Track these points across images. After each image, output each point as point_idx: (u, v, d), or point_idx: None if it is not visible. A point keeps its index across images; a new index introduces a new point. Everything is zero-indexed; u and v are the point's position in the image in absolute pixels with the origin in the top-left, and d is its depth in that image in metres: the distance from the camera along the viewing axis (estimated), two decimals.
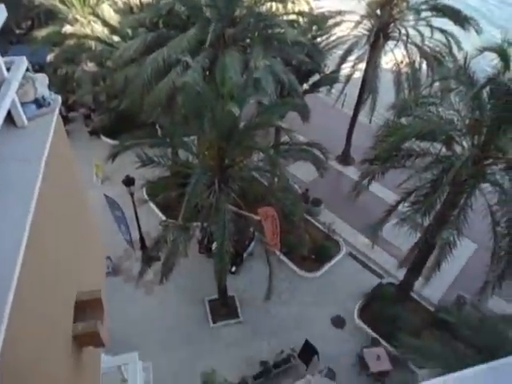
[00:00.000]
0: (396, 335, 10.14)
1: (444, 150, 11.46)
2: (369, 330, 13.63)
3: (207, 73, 12.94)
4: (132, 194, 13.67)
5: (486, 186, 10.85)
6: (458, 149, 11.26)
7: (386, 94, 17.14)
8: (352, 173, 18.25)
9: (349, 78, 17.45)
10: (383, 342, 12.99)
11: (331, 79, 16.40)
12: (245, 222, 12.56)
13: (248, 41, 13.72)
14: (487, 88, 10.19)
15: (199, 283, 14.72)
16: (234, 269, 15.13)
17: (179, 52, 12.02)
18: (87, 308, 2.15)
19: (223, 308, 14.02)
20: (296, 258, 15.47)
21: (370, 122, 20.57)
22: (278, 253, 14.60)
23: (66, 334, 2.09)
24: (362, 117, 20.00)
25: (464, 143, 11.12)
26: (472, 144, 10.91)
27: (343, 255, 16.20)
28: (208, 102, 9.71)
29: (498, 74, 9.69)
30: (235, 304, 14.35)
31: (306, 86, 17.23)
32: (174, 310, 14.12)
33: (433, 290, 14.95)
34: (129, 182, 13.38)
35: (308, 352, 12.48)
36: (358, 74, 18.19)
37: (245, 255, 15.52)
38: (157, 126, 15.03)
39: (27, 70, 3.62)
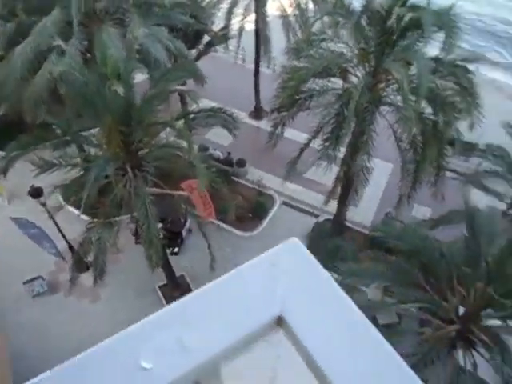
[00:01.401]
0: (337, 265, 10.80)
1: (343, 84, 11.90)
2: None
3: (88, 55, 11.87)
4: (44, 204, 12.60)
5: (384, 108, 11.57)
6: (355, 80, 11.76)
7: (283, 40, 17.16)
8: (267, 125, 18.44)
9: (240, 31, 17.11)
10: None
11: (222, 36, 15.94)
12: (173, 201, 12.29)
13: (124, 12, 12.69)
14: (365, 17, 10.59)
15: (146, 273, 14.34)
16: (176, 249, 14.96)
17: (49, 37, 10.81)
18: None
19: (176, 290, 13.92)
20: (234, 221, 15.60)
21: (274, 71, 20.65)
22: (215, 221, 14.65)
23: None
24: (265, 68, 19.95)
25: (358, 73, 11.62)
26: (365, 72, 11.44)
27: (278, 206, 16.67)
28: (94, 87, 8.96)
29: (371, 1, 10.07)
30: (186, 282, 14.32)
31: (201, 48, 16.67)
32: (125, 306, 13.70)
33: (364, 214, 16.12)
34: (36, 192, 12.26)
35: None
36: (252, 26, 17.93)
37: (184, 233, 15.34)
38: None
39: None
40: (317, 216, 16.07)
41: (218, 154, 17.90)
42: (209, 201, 12.47)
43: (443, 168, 12.13)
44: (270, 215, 16.19)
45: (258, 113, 20.19)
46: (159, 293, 14.03)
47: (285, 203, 16.83)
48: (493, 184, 12.70)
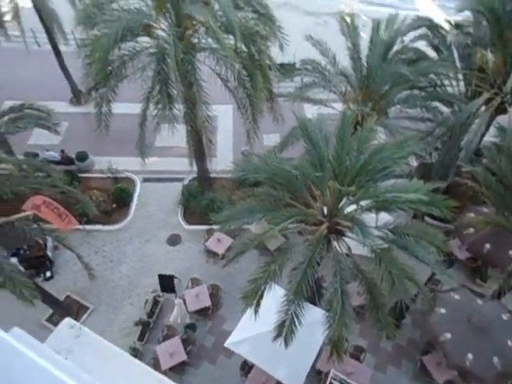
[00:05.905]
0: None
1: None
2: (201, 227, 14.47)
3: None
4: None
5: (201, 54, 11.49)
6: (163, 34, 11.19)
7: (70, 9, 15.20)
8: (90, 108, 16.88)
9: (16, 12, 14.56)
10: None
11: None
12: (18, 226, 10.68)
13: None
14: None
15: (25, 315, 12.57)
16: (48, 274, 13.36)
17: None
18: None
19: (66, 313, 12.60)
20: (102, 218, 14.44)
21: (78, 47, 18.49)
22: (79, 226, 13.39)
23: None
24: (65, 47, 17.64)
25: (162, 26, 11.11)
26: (169, 23, 11.01)
27: (140, 185, 15.93)
28: None
29: None
30: (75, 300, 13.06)
31: None
32: None
33: (224, 160, 16.39)
34: None
35: (166, 283, 12.74)
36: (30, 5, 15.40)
37: (50, 254, 13.63)
38: None
39: None
40: (182, 179, 15.90)
41: (54, 154, 15.85)
42: (62, 210, 11.23)
43: (273, 93, 12.99)
44: (135, 197, 15.42)
45: (78, 97, 18.18)
46: (49, 325, 12.53)
47: (146, 180, 16.16)
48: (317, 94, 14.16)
